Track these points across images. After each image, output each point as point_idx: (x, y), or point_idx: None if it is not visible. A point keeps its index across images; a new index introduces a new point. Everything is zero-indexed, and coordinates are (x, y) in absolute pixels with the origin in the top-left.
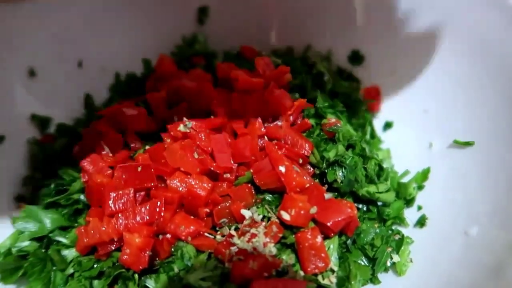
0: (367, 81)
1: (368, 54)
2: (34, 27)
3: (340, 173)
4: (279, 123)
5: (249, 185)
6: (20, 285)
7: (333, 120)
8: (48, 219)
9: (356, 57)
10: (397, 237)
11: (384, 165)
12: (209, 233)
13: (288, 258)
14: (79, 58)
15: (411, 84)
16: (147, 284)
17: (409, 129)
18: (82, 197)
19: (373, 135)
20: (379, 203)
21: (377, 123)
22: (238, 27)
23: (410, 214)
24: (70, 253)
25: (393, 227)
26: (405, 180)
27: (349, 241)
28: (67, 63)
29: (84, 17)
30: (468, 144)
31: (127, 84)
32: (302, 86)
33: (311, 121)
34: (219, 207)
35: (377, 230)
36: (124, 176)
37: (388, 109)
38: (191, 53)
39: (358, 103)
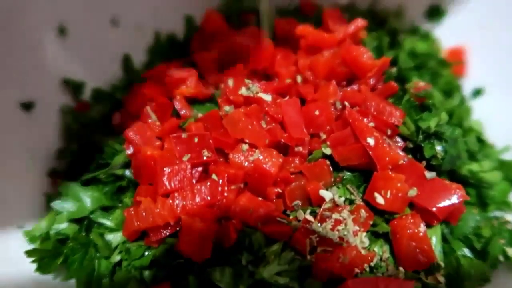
0: (447, 40)
1: (449, 8)
2: None
3: (440, 148)
4: (355, 87)
5: (326, 161)
6: (59, 274)
7: (422, 84)
8: (88, 198)
9: (435, 13)
10: (509, 226)
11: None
12: (281, 218)
13: (380, 250)
14: (114, 14)
15: (507, 40)
16: (211, 279)
17: (507, 96)
18: (127, 172)
19: (462, 103)
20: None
21: (464, 89)
22: None
23: None
24: (115, 238)
25: (494, 213)
26: (506, 157)
27: (446, 230)
28: (100, 21)
29: None
30: None
31: (168, 44)
32: (376, 45)
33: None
34: (292, 186)
35: (477, 217)
36: (178, 148)
37: (477, 73)
38: (240, 10)
39: (443, 66)
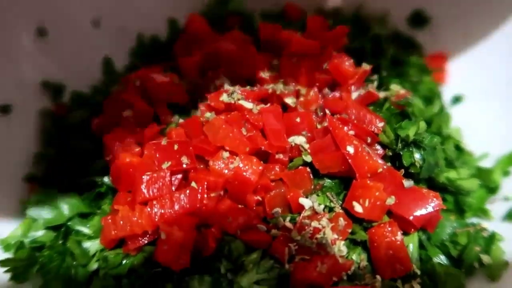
0: (429, 47)
1: (433, 15)
2: None
3: (418, 156)
4: (337, 94)
5: (307, 168)
6: (35, 283)
7: (402, 91)
8: (66, 205)
9: (418, 19)
10: (485, 233)
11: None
12: (261, 226)
13: (358, 258)
14: (95, 16)
15: (489, 49)
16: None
17: (486, 104)
18: (106, 179)
19: (442, 110)
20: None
21: (444, 96)
22: None
23: (494, 206)
24: (92, 246)
25: (471, 220)
26: (483, 164)
27: (423, 237)
28: (81, 22)
29: None
30: None
31: (151, 47)
32: (358, 51)
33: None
34: (271, 194)
35: (454, 224)
36: (157, 156)
37: (458, 80)
38: (224, 13)
39: (424, 73)
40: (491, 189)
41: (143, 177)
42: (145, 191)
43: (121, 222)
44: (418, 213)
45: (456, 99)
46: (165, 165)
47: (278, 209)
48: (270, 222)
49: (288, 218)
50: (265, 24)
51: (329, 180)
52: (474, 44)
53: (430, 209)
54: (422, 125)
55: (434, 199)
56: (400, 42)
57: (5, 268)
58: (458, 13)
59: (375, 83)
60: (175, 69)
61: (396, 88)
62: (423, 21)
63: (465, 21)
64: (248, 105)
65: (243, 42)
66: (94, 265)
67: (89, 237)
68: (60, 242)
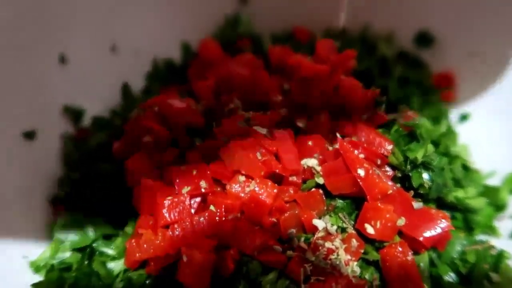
0: (435, 66)
1: (439, 35)
2: (64, 8)
3: (427, 176)
4: (347, 117)
5: (320, 190)
6: None
7: (410, 113)
8: (90, 227)
9: (424, 39)
10: (493, 251)
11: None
12: (277, 247)
13: (371, 278)
14: (113, 42)
15: (496, 68)
16: None
17: (493, 122)
18: (127, 202)
19: (449, 129)
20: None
21: (451, 114)
22: (283, 5)
23: (502, 223)
24: (116, 266)
25: (480, 238)
26: (490, 182)
27: (434, 255)
28: (99, 48)
29: None
30: None
31: (166, 70)
32: (366, 73)
33: None
34: (286, 215)
35: (464, 241)
36: (178, 181)
37: (464, 98)
38: (234, 36)
39: (431, 92)
40: (499, 207)
41: (164, 201)
42: (166, 215)
43: (145, 245)
44: (428, 234)
45: (463, 117)
46: (185, 190)
47: (293, 230)
48: (285, 242)
49: (302, 239)
50: (275, 47)
51: (341, 201)
52: (480, 62)
53: (439, 230)
54: (430, 148)
55: (443, 220)
56: (407, 62)
57: None
58: (463, 32)
59: (383, 106)
60: (190, 93)
61: (404, 109)
62: (428, 41)
63: (470, 40)
64: (262, 130)
65: (255, 66)
66: (118, 285)
67: (113, 258)
68: (86, 263)
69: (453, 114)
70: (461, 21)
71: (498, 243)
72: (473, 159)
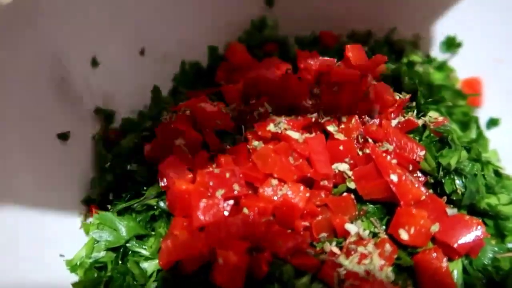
0: (463, 72)
1: (466, 40)
2: (96, 13)
3: (459, 183)
4: (376, 121)
5: (351, 195)
6: None
7: (440, 118)
8: (124, 227)
9: (451, 44)
10: None
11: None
12: (310, 251)
13: (405, 284)
14: (142, 46)
15: None
16: None
17: None
18: (161, 204)
19: (480, 135)
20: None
21: (480, 120)
22: (309, 9)
23: None
24: (150, 266)
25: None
26: None
27: (466, 261)
28: (130, 51)
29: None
30: None
31: (193, 74)
32: (394, 78)
33: None
34: (318, 219)
35: (496, 248)
36: (211, 184)
37: (492, 103)
38: (260, 39)
39: (459, 98)
40: None
41: (199, 203)
42: (201, 217)
43: (180, 245)
44: (463, 240)
45: (492, 122)
46: (219, 193)
47: (325, 234)
48: (317, 246)
49: (334, 243)
50: (302, 52)
51: (371, 206)
52: (507, 68)
53: (474, 236)
54: (464, 154)
55: (479, 226)
56: (434, 67)
57: None
58: (489, 37)
59: (414, 111)
60: (218, 96)
61: (434, 115)
62: (455, 46)
63: (496, 45)
64: (294, 135)
65: (283, 70)
66: (152, 285)
67: (146, 258)
68: (120, 262)
69: (482, 120)
70: (486, 27)
71: None
72: (503, 164)
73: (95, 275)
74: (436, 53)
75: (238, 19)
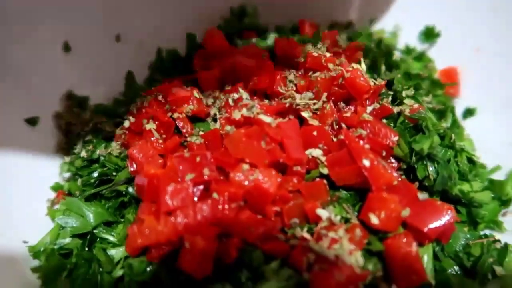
0: (441, 61)
1: (443, 30)
2: None
3: (432, 169)
4: (352, 108)
5: (324, 180)
6: None
7: (416, 105)
8: (91, 213)
9: (430, 34)
10: (498, 245)
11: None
12: (280, 236)
13: (374, 268)
14: (117, 31)
15: (501, 62)
16: None
17: (499, 117)
18: (130, 189)
19: (455, 123)
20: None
21: (456, 109)
22: None
23: (506, 218)
24: (117, 253)
25: (484, 232)
26: (496, 176)
27: (437, 248)
28: (103, 37)
29: None
30: None
31: (170, 61)
32: (372, 66)
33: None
34: (290, 204)
35: (468, 235)
36: (181, 168)
37: (469, 93)
38: (240, 27)
39: (436, 87)
40: (504, 201)
41: (167, 188)
42: (169, 201)
43: (147, 231)
44: (433, 225)
45: (469, 112)
46: (188, 177)
47: (296, 220)
48: (288, 232)
49: (305, 229)
50: (280, 39)
51: (344, 192)
52: (485, 57)
53: (444, 221)
54: (436, 139)
55: (449, 211)
56: (413, 56)
57: (37, 275)
58: (468, 27)
59: (390, 98)
60: (194, 83)
61: (409, 102)
62: (434, 36)
63: (475, 35)
64: (267, 119)
65: (260, 57)
66: (119, 272)
67: (114, 245)
68: (86, 249)
69: (458, 109)
70: (465, 17)
71: (503, 238)
72: (478, 153)
73: (58, 261)
74: (415, 43)
75: (218, 7)
